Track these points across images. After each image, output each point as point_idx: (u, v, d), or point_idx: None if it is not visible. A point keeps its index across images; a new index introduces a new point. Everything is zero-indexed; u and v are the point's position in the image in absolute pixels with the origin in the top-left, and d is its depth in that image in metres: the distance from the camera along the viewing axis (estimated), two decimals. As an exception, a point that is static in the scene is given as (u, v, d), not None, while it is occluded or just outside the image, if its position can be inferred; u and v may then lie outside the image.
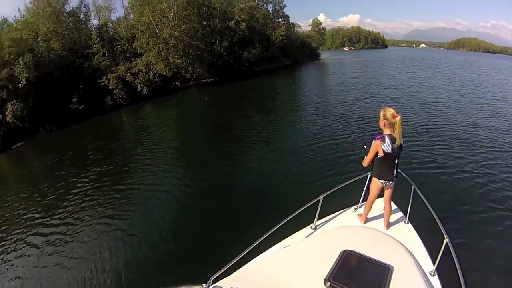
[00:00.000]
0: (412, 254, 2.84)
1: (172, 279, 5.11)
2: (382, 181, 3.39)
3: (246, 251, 2.61)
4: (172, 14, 26.28)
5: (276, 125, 14.18)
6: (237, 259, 2.52)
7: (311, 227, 3.45)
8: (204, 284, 2.13)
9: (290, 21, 51.77)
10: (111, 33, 26.52)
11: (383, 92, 20.88)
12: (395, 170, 3.30)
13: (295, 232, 3.37)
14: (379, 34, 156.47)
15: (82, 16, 25.95)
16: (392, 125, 3.15)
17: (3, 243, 7.10)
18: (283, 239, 3.19)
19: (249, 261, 2.71)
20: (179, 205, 7.61)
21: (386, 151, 3.16)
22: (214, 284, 2.10)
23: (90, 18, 26.76)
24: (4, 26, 22.38)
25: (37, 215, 8.15)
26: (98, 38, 24.26)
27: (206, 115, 18.15)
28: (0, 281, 5.83)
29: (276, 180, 8.50)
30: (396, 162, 3.26)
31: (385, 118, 3.18)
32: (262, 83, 29.98)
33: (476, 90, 21.98)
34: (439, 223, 3.03)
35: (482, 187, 7.50)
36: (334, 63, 53.33)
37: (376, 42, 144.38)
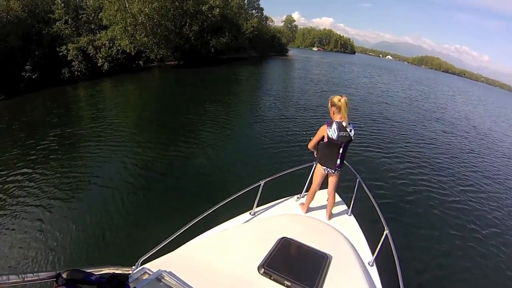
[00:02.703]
0: (352, 245, 2.88)
1: (100, 260, 4.85)
2: (324, 168, 3.34)
3: (178, 233, 2.49)
4: (145, -11, 25.32)
5: (231, 112, 14.54)
6: (168, 241, 2.38)
7: (250, 213, 3.34)
8: (133, 267, 1.96)
9: (264, 14, 53.37)
10: (77, 0, 25.52)
11: (343, 90, 24.12)
12: (338, 160, 3.22)
13: (232, 218, 3.26)
14: (349, 40, 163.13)
15: (47, -23, 24.30)
16: (339, 109, 3.08)
17: None
18: (219, 224, 3.09)
19: (182, 244, 2.59)
20: (119, 184, 7.25)
21: (330, 136, 3.09)
22: (142, 266, 1.98)
23: (56, -20, 25.09)
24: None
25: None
26: (62, 4, 23.17)
27: (165, 97, 18.35)
28: None
29: (221, 165, 8.45)
30: (340, 151, 3.17)
31: (332, 105, 3.12)
32: (227, 72, 30.77)
33: (424, 100, 26.95)
34: (380, 215, 3.06)
35: (424, 181, 8.54)
36: (301, 60, 55.94)
37: (345, 47, 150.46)
